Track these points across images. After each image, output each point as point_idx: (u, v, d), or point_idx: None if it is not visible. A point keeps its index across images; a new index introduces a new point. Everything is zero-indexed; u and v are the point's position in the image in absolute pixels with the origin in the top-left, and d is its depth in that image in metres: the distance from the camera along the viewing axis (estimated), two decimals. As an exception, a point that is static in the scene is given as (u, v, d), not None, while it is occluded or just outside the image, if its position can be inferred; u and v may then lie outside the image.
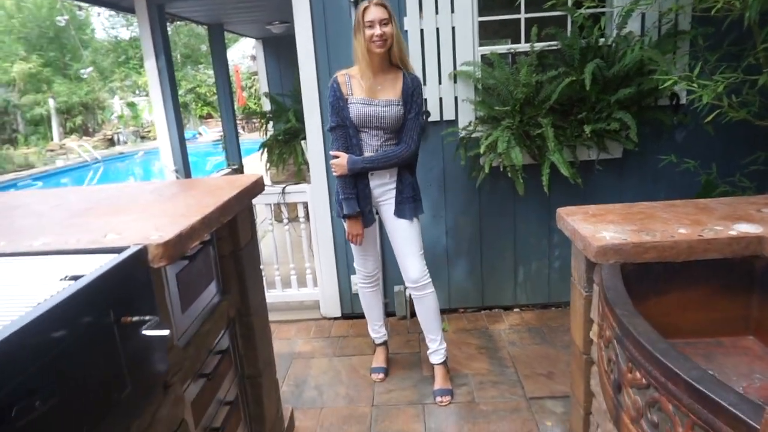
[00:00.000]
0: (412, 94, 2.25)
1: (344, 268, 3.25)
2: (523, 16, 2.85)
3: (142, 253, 1.11)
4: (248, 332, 1.85)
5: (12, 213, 1.59)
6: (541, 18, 2.83)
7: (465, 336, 3.02)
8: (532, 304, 3.28)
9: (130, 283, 1.07)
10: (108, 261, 1.03)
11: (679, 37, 2.67)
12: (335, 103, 2.28)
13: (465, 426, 2.26)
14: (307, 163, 3.69)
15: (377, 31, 2.12)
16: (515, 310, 3.29)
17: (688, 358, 1.01)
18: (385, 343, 2.79)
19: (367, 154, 2.29)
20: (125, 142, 17.20)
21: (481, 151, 2.71)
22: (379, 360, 2.74)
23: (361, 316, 3.27)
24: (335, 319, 3.35)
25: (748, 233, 1.51)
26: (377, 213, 2.47)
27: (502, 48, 2.99)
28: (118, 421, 0.99)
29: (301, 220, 3.33)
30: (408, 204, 2.34)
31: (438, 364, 2.52)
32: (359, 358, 2.86)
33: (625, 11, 2.54)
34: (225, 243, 1.72)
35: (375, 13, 2.13)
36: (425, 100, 2.91)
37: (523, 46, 2.89)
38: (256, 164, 5.57)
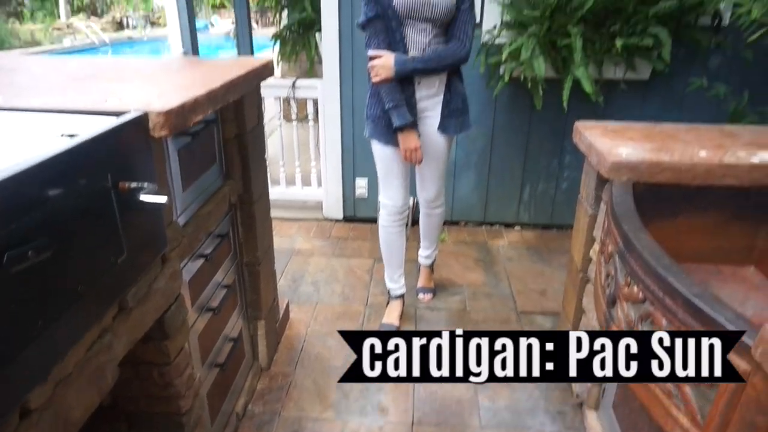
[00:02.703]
0: None
1: (350, 170, 3.21)
2: None
3: (142, 120, 1.07)
4: (249, 220, 1.85)
5: (10, 73, 1.53)
6: None
7: (464, 248, 3.04)
8: (534, 223, 3.28)
9: (129, 150, 1.03)
10: (107, 123, 0.99)
11: (735, -50, 2.44)
12: None
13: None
14: (320, 58, 3.54)
15: None
16: (516, 228, 3.29)
17: (689, 276, 1.00)
18: (401, 297, 2.40)
19: (413, 54, 1.92)
20: (134, 27, 16.57)
21: (503, 58, 2.57)
22: (392, 316, 2.35)
23: (363, 220, 3.31)
24: (337, 221, 3.36)
25: (771, 162, 1.45)
26: None
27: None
28: (114, 284, 1.00)
29: (310, 116, 3.24)
30: (455, 118, 2.05)
31: (424, 266, 2.56)
32: (357, 260, 2.90)
33: None
34: (230, 126, 1.67)
35: None
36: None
37: (562, -53, 2.65)
38: (268, 57, 5.37)
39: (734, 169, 1.44)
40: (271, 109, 3.75)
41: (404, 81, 1.92)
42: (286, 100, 3.25)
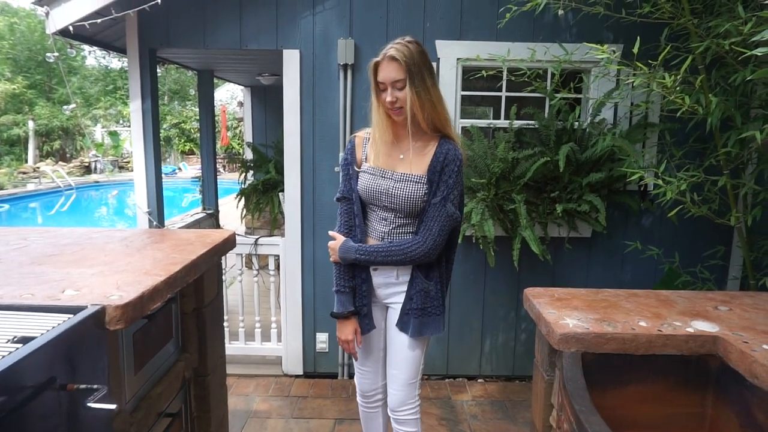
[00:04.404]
0: (442, 170, 1.67)
1: (310, 325, 3.20)
2: (504, 94, 2.98)
3: (99, 315, 1.08)
4: (203, 393, 1.79)
5: (-30, 254, 1.54)
6: (521, 97, 2.95)
7: (427, 405, 2.96)
8: (496, 375, 3.26)
9: (81, 348, 1.03)
10: (61, 323, 1.01)
11: (649, 129, 2.81)
12: (345, 168, 1.80)
13: (419, 504, 2.18)
14: (283, 214, 3.68)
15: (388, 97, 1.62)
16: (479, 380, 3.26)
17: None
18: None
19: (372, 241, 1.77)
20: (102, 171, 17.00)
21: (455, 220, 2.75)
22: None
23: (323, 376, 3.22)
24: (297, 377, 3.26)
25: (704, 332, 1.54)
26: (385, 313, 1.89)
27: (482, 122, 3.10)
28: (50, 497, 0.94)
29: (271, 272, 3.29)
30: (414, 317, 1.76)
31: None
32: (317, 422, 2.77)
33: (599, 102, 2.68)
34: (188, 300, 1.68)
35: (387, 71, 1.62)
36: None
37: (502, 122, 3.00)
38: (233, 206, 5.54)
39: (672, 339, 1.53)
40: (231, 260, 3.80)
41: (357, 265, 1.78)
42: (248, 254, 3.31)
